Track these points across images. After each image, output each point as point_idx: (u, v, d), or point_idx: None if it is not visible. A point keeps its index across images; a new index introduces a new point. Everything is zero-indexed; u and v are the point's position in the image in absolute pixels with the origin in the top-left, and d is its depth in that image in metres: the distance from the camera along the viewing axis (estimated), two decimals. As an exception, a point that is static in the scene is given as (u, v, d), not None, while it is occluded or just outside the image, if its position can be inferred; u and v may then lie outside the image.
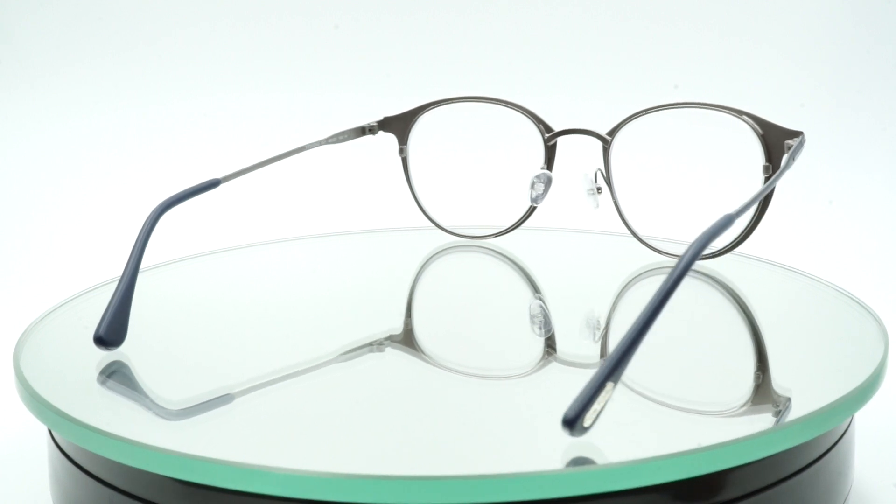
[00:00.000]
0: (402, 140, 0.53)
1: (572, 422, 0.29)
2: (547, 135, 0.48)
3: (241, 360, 0.40)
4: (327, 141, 0.51)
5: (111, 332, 0.39)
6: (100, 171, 0.76)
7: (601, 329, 0.42)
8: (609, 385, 0.29)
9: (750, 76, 0.75)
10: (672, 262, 0.46)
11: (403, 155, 0.52)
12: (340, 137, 0.52)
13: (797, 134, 0.43)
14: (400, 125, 0.53)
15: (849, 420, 0.36)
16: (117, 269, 0.49)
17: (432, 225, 0.52)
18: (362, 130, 0.53)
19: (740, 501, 0.32)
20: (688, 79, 0.76)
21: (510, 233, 0.51)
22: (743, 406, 0.35)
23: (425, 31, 0.79)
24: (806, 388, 0.36)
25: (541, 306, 0.45)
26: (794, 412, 0.33)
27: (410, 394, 0.37)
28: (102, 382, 0.37)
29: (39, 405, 0.34)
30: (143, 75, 0.78)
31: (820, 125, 0.73)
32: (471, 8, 0.79)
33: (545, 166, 0.49)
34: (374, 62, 0.79)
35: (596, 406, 0.29)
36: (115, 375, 0.38)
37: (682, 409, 0.35)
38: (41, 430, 0.39)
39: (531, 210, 0.49)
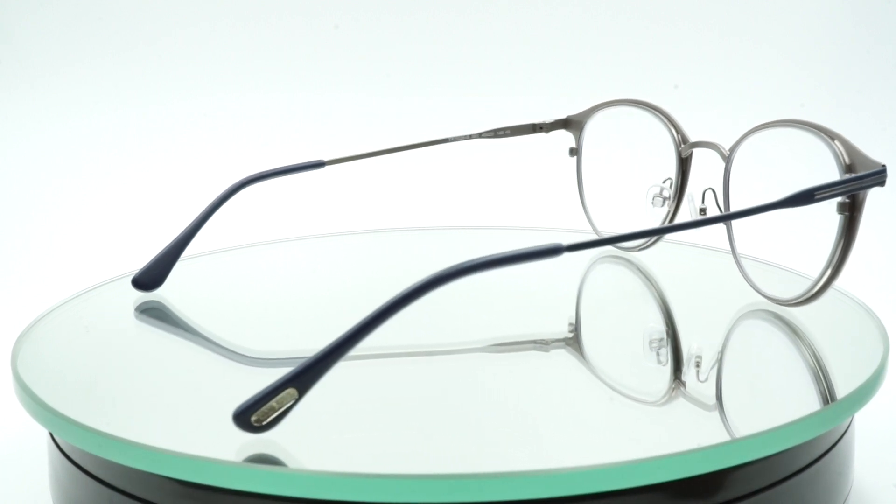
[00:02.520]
0: (577, 140, 0.49)
1: (238, 416, 0.30)
2: (683, 146, 0.45)
3: (239, 360, 0.40)
4: (486, 135, 0.48)
5: (146, 274, 0.42)
6: (100, 171, 0.76)
7: (696, 361, 0.39)
8: (290, 390, 0.29)
9: (750, 76, 0.75)
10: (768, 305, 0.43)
11: (577, 156, 0.49)
12: (505, 132, 0.49)
13: (879, 171, 0.39)
14: (576, 125, 0.50)
15: (849, 420, 0.36)
16: (117, 269, 0.49)
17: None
18: (533, 127, 0.49)
19: (740, 501, 0.32)
20: (688, 79, 0.76)
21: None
22: (743, 406, 0.35)
23: (425, 31, 0.79)
24: (806, 389, 0.36)
25: (660, 335, 0.42)
26: (795, 412, 0.33)
27: (408, 395, 0.37)
28: (103, 383, 0.37)
29: (39, 409, 0.34)
30: (143, 75, 0.78)
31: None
32: (471, 8, 0.79)
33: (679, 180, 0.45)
34: (374, 62, 0.79)
35: (273, 405, 0.29)
36: (125, 374, 0.38)
37: (682, 409, 0.35)
38: (41, 430, 0.39)
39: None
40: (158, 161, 0.76)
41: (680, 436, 0.33)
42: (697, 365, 0.38)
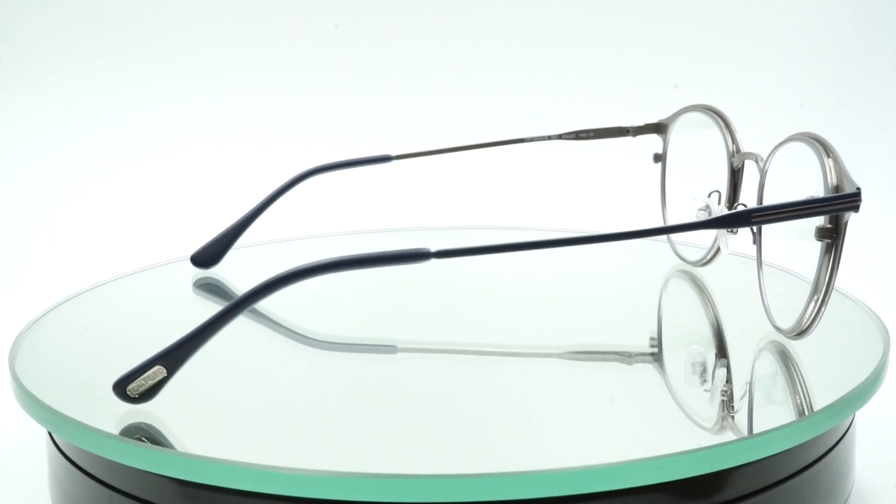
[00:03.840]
0: (664, 145, 0.47)
1: (116, 386, 0.33)
2: (735, 156, 0.42)
3: (239, 360, 0.40)
4: (567, 136, 0.46)
5: (203, 253, 0.45)
6: (100, 171, 0.76)
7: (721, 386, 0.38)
8: (159, 368, 0.32)
9: (750, 76, 0.75)
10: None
11: (662, 161, 0.47)
12: (588, 135, 0.46)
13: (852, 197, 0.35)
14: (662, 130, 0.47)
15: (849, 420, 0.36)
16: (117, 268, 0.49)
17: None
18: (619, 131, 0.47)
19: (740, 501, 0.32)
20: (688, 79, 0.76)
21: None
22: (742, 406, 0.35)
23: (425, 31, 0.79)
24: (806, 388, 0.36)
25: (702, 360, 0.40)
26: (794, 412, 0.33)
27: (408, 394, 0.37)
28: (102, 382, 0.37)
29: (37, 408, 0.34)
30: (143, 75, 0.78)
31: (820, 125, 0.73)
32: (471, 8, 0.79)
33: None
34: (374, 62, 0.79)
35: (143, 381, 0.32)
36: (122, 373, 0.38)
37: (682, 409, 0.35)
38: (40, 430, 0.39)
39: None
40: (158, 161, 0.76)
41: (680, 436, 0.33)
42: (724, 394, 0.36)
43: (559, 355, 0.39)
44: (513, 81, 0.78)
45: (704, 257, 0.46)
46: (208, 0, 0.79)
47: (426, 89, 0.79)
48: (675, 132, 0.46)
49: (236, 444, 0.33)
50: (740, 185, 0.42)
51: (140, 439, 0.32)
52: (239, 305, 0.32)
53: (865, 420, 0.40)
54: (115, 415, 0.34)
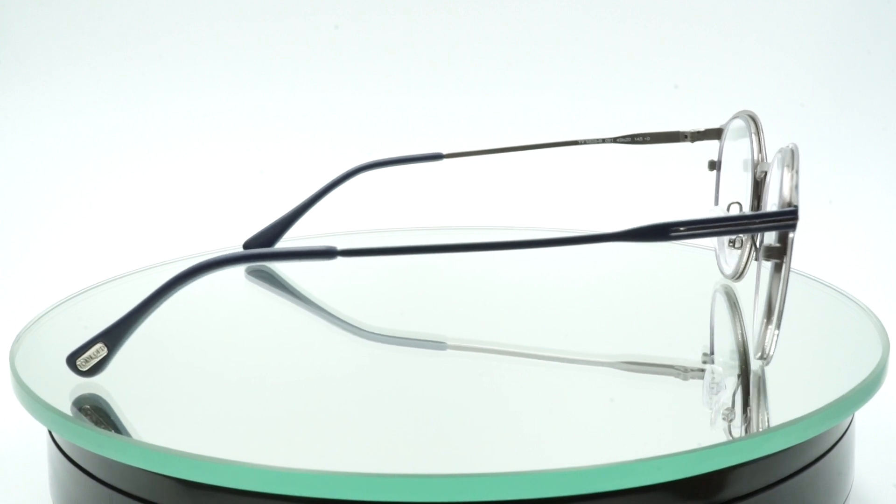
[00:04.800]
0: (719, 153, 0.45)
1: (68, 360, 0.35)
2: (759, 166, 0.40)
3: (239, 361, 0.40)
4: (622, 140, 0.45)
5: (256, 241, 0.48)
6: (100, 171, 0.76)
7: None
8: (100, 345, 0.35)
9: (750, 76, 0.75)
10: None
11: (717, 169, 0.45)
12: (644, 139, 0.45)
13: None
14: (717, 137, 0.45)
15: (849, 420, 0.36)
16: (117, 268, 0.49)
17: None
18: (676, 136, 0.45)
19: (740, 501, 0.32)
20: (688, 79, 0.76)
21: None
22: (742, 406, 0.35)
23: (425, 31, 0.79)
24: (806, 389, 0.36)
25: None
26: (794, 412, 0.33)
27: (408, 394, 0.37)
28: (102, 382, 0.37)
29: (38, 407, 0.34)
30: (143, 75, 0.78)
31: (820, 125, 0.73)
32: (470, 8, 0.79)
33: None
34: (374, 62, 0.79)
35: (88, 357, 0.35)
36: (125, 373, 0.38)
37: (683, 409, 0.35)
38: (41, 430, 0.39)
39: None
40: (158, 161, 0.76)
41: (680, 436, 0.33)
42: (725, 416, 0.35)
43: (612, 364, 0.38)
44: (513, 81, 0.78)
45: (737, 271, 0.43)
46: (208, 0, 0.80)
47: (426, 89, 0.79)
48: (727, 139, 0.44)
49: (238, 443, 0.33)
50: (765, 196, 0.38)
51: (85, 413, 0.34)
52: (166, 290, 0.35)
53: (865, 420, 0.40)
54: (115, 414, 0.34)
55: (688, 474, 0.30)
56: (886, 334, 0.38)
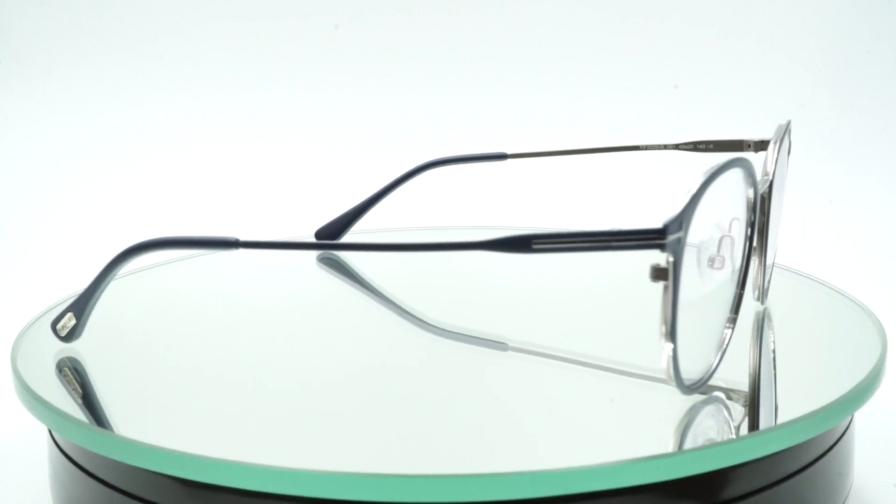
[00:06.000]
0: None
1: (51, 325, 0.39)
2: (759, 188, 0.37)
3: (238, 358, 0.40)
4: (684, 147, 0.44)
5: (326, 229, 0.51)
6: (100, 171, 0.76)
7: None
8: (70, 314, 0.39)
9: (750, 76, 0.75)
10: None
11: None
12: (707, 147, 0.44)
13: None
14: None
15: (849, 420, 0.36)
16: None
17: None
18: (739, 145, 0.43)
19: (740, 501, 0.32)
20: (688, 79, 0.76)
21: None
22: (742, 406, 0.35)
23: (425, 31, 0.79)
24: (805, 388, 0.36)
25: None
26: (794, 412, 0.33)
27: (407, 394, 0.37)
28: (105, 381, 0.37)
29: (39, 405, 0.34)
30: (143, 75, 0.78)
31: (820, 125, 0.73)
32: (470, 8, 0.79)
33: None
34: (374, 62, 0.79)
35: (63, 325, 0.39)
36: (125, 373, 0.38)
37: (683, 409, 0.35)
38: (41, 429, 0.39)
39: None
40: (158, 161, 0.76)
41: (680, 436, 0.33)
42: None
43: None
44: (513, 81, 0.78)
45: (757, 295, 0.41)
46: (208, 0, 0.80)
47: (426, 89, 0.79)
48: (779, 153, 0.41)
49: (238, 443, 0.33)
50: (768, 218, 0.38)
51: (65, 374, 0.37)
52: (109, 269, 0.39)
53: (864, 420, 0.40)
54: (116, 414, 0.34)
55: (688, 474, 0.30)
56: (885, 334, 0.38)
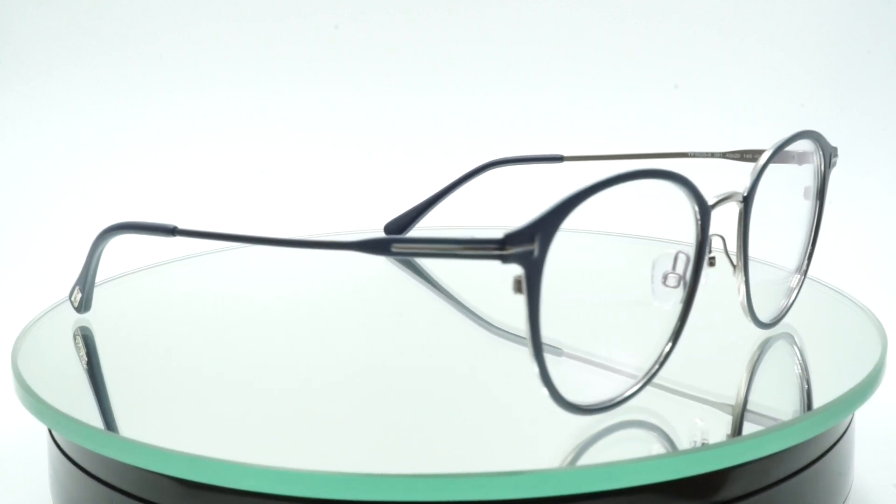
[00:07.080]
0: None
1: (69, 295, 0.43)
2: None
3: (238, 358, 0.40)
4: (731, 156, 0.44)
5: (394, 223, 0.52)
6: (100, 171, 0.76)
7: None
8: (77, 288, 0.42)
9: (750, 76, 0.75)
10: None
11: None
12: (753, 156, 0.43)
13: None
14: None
15: (849, 420, 0.36)
16: (117, 268, 0.49)
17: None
18: (787, 156, 0.43)
19: (740, 501, 0.32)
20: (688, 79, 0.76)
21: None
22: (742, 406, 0.35)
23: (425, 31, 0.79)
24: (805, 389, 0.36)
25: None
26: (794, 412, 0.33)
27: (407, 394, 0.37)
28: (106, 381, 0.37)
29: (39, 405, 0.34)
30: (143, 75, 0.78)
31: (820, 125, 0.73)
32: (470, 8, 0.79)
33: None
34: (374, 62, 0.79)
35: (74, 297, 0.42)
36: (124, 372, 0.38)
37: (682, 409, 0.35)
38: (41, 429, 0.39)
39: None
40: (158, 161, 0.76)
41: (680, 435, 0.33)
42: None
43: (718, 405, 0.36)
44: (513, 82, 0.78)
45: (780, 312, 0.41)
46: (208, 0, 0.80)
47: (426, 89, 0.79)
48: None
49: (239, 443, 0.33)
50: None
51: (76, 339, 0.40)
52: (99, 239, 0.42)
53: (864, 420, 0.40)
54: (116, 414, 0.34)
55: (688, 474, 0.30)
56: (885, 334, 0.38)
